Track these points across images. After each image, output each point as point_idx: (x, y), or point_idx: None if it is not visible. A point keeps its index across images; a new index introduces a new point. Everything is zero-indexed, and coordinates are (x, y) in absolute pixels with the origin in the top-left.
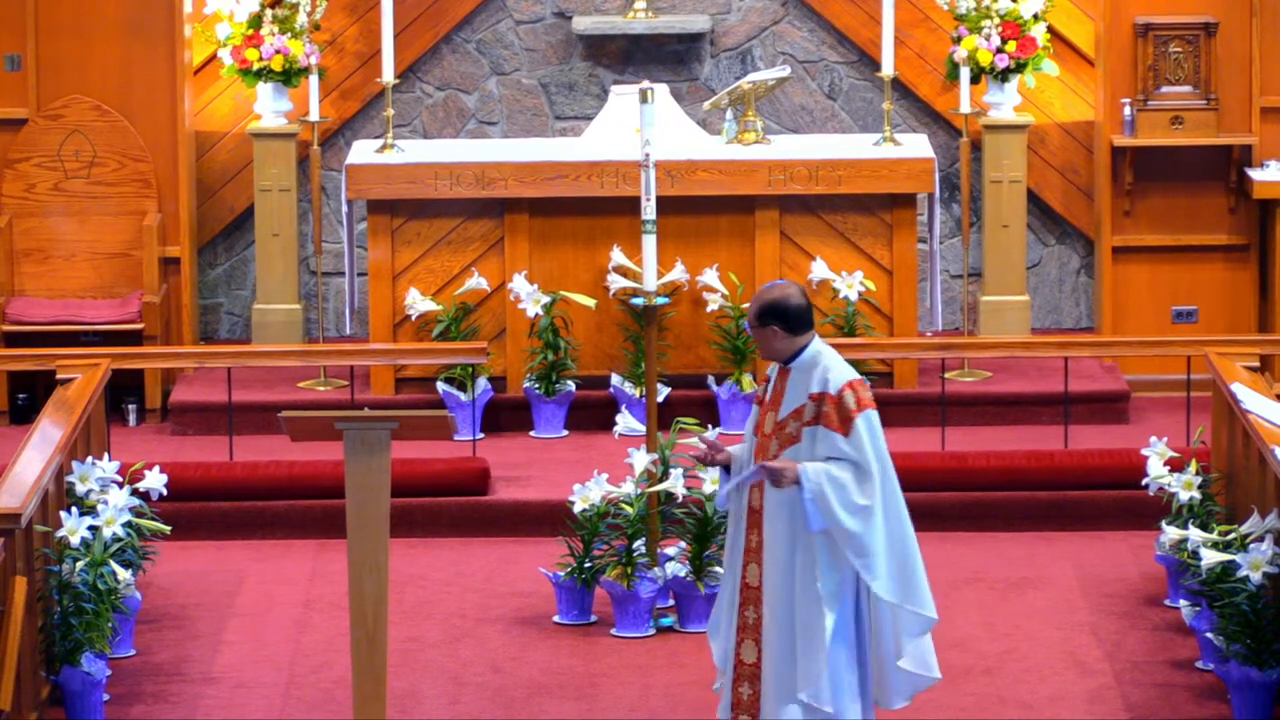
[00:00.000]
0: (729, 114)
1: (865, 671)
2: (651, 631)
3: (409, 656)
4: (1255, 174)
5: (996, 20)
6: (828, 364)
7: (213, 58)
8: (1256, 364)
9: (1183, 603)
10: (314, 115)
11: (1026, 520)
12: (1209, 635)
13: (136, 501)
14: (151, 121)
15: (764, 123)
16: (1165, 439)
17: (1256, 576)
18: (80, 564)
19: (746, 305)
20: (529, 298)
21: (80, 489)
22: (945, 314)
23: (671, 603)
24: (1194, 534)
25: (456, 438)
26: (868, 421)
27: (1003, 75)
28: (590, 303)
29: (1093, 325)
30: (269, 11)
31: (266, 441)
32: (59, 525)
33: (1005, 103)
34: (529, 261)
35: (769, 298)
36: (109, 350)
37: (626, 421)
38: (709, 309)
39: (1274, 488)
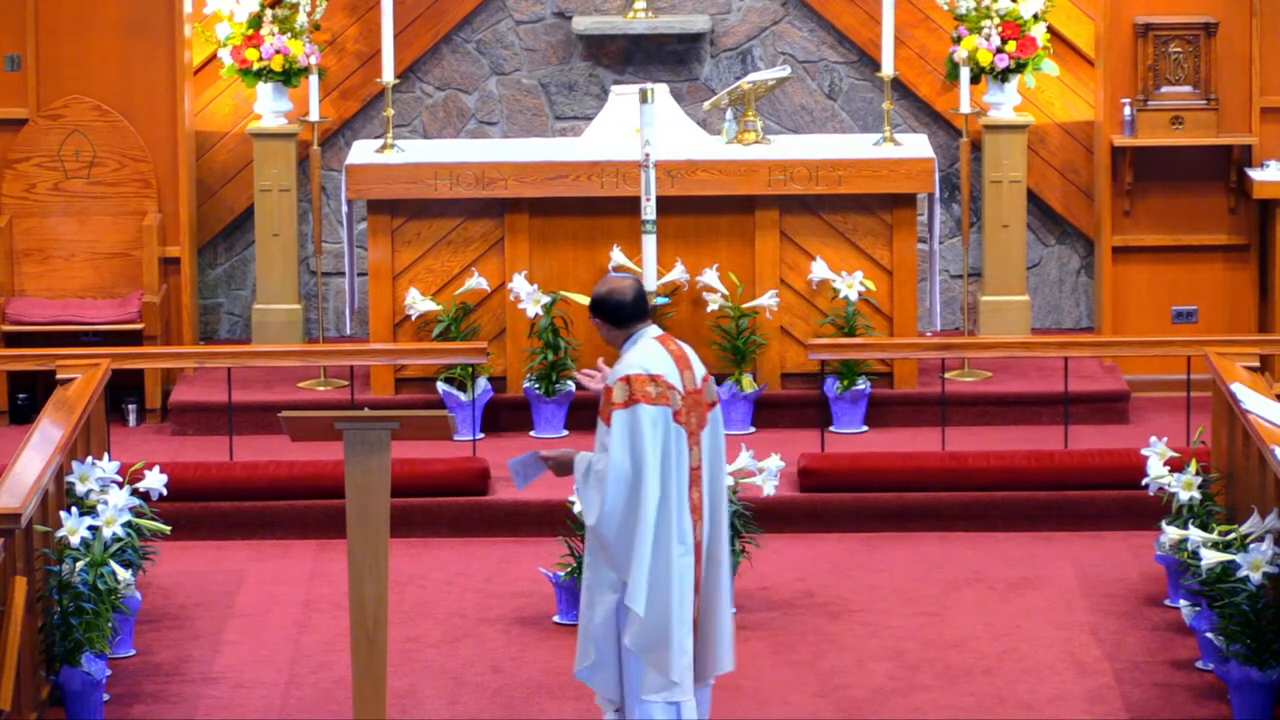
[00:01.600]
0: (729, 114)
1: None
2: None
3: (409, 656)
4: (1255, 174)
5: (996, 20)
6: (625, 357)
7: (213, 58)
8: (1256, 364)
9: (1183, 603)
10: (314, 115)
11: (1026, 520)
12: (1209, 635)
13: (136, 501)
14: (151, 121)
15: (764, 123)
16: (1165, 439)
17: (1256, 576)
18: (80, 564)
19: (747, 306)
20: (529, 298)
21: (80, 489)
22: (945, 314)
23: None
24: (1194, 534)
25: (456, 438)
26: (630, 416)
27: (1003, 75)
28: None
29: (1093, 325)
30: (269, 11)
31: (266, 441)
32: (59, 525)
33: (1005, 103)
34: (529, 261)
35: (595, 292)
36: (109, 350)
37: None
38: (709, 309)
39: (1274, 488)
